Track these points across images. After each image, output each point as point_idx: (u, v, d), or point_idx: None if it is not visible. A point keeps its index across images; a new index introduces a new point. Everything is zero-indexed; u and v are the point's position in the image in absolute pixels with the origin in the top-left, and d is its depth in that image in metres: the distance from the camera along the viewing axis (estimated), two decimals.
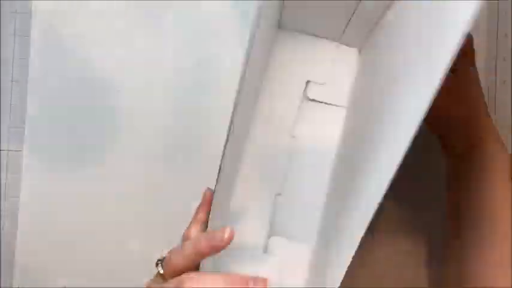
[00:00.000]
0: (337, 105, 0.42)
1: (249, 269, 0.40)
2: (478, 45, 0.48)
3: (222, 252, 0.34)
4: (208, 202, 0.37)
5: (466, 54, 0.40)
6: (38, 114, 0.48)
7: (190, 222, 0.38)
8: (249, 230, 0.41)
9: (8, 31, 0.48)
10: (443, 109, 0.39)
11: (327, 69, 0.42)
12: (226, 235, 0.33)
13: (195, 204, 0.47)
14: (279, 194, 0.41)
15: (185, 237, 0.38)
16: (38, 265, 0.48)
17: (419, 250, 0.48)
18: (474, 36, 0.48)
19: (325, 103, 0.42)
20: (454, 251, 0.41)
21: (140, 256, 0.48)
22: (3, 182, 0.48)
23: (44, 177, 0.48)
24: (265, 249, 0.41)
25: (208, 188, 0.38)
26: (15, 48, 0.48)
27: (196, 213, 0.38)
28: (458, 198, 0.40)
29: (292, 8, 0.40)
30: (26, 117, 0.48)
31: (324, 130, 0.42)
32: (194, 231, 0.37)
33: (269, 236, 0.41)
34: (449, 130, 0.40)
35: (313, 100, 0.42)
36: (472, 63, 0.41)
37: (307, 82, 0.42)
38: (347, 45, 0.42)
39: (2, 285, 0.48)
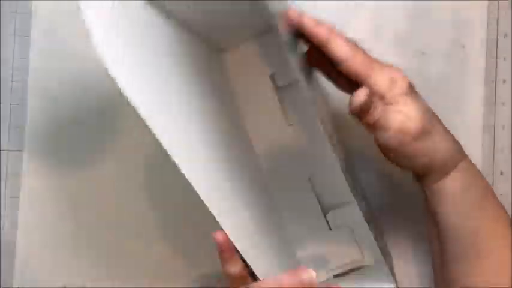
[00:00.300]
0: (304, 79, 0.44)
1: (328, 250, 0.44)
2: (478, 45, 0.48)
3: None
4: (226, 245, 0.35)
5: (394, 82, 0.37)
6: (38, 114, 0.48)
7: (223, 262, 0.36)
8: (306, 218, 0.44)
9: (8, 31, 0.48)
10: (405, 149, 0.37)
11: (277, 57, 0.44)
12: (313, 274, 0.34)
13: (195, 203, 0.47)
14: (310, 178, 0.44)
15: (229, 277, 0.37)
16: (38, 265, 0.48)
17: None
18: (474, 36, 0.48)
19: (296, 81, 0.43)
20: (440, 262, 0.41)
21: (140, 256, 0.48)
22: (3, 182, 0.48)
23: (44, 177, 0.48)
24: (329, 227, 0.44)
25: (218, 232, 0.35)
26: (15, 48, 0.48)
27: (223, 253, 0.36)
28: (437, 223, 0.40)
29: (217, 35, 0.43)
30: (26, 117, 0.48)
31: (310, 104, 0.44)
32: (235, 269, 0.36)
33: (324, 214, 0.44)
34: (417, 165, 0.38)
35: (284, 86, 0.44)
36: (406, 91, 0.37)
37: (271, 76, 0.44)
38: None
39: (2, 285, 0.48)
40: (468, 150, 0.48)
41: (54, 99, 0.48)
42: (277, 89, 0.44)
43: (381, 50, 0.48)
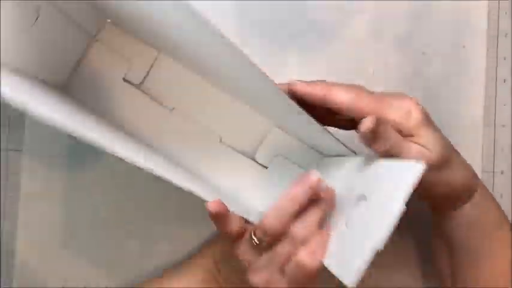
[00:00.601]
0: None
1: (274, 184, 0.45)
2: (479, 45, 0.48)
3: None
4: (223, 208, 0.35)
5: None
6: None
7: (221, 225, 0.36)
8: (239, 174, 0.46)
9: None
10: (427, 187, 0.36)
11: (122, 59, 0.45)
12: (318, 175, 0.34)
13: (195, 203, 0.47)
14: (221, 139, 0.46)
15: (231, 236, 0.37)
16: (37, 265, 0.48)
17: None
18: (474, 36, 0.48)
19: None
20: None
21: (140, 256, 0.48)
22: (3, 182, 0.48)
23: (44, 177, 0.48)
24: (264, 166, 0.46)
25: (210, 203, 0.35)
26: None
27: (220, 217, 0.36)
28: (451, 245, 0.40)
29: None
30: (26, 117, 0.48)
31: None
32: (235, 224, 0.36)
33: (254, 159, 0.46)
34: (437, 195, 0.38)
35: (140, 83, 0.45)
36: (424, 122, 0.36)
37: (125, 79, 0.45)
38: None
39: (2, 285, 0.48)
40: (468, 150, 0.48)
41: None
42: (136, 85, 0.45)
43: (381, 50, 0.48)
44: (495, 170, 0.48)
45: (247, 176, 0.46)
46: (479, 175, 0.48)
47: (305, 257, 0.33)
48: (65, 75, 0.44)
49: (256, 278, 0.35)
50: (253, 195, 0.45)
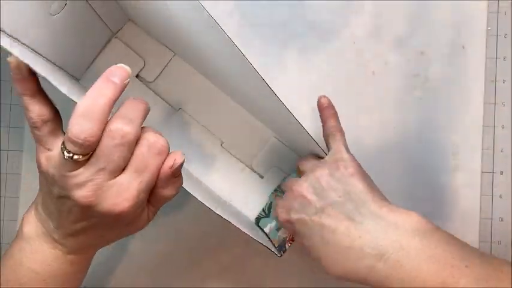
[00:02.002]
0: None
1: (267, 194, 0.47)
2: (478, 45, 0.48)
3: None
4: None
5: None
6: None
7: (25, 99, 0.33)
8: (237, 181, 0.47)
9: None
10: None
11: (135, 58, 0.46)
12: (126, 68, 0.30)
13: (194, 203, 0.47)
14: (222, 143, 0.47)
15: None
16: None
17: None
18: (474, 36, 0.48)
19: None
20: None
21: (140, 256, 0.48)
22: (3, 182, 0.48)
23: None
24: (261, 176, 0.47)
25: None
26: None
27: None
28: None
29: None
30: None
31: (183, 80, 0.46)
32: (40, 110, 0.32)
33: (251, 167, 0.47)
34: None
35: (153, 81, 0.46)
36: None
37: (138, 76, 0.46)
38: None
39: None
40: (468, 150, 0.48)
41: (54, 99, 0.48)
42: (148, 83, 0.46)
43: (380, 50, 0.48)
44: (495, 170, 0.48)
45: (243, 183, 0.46)
46: (479, 175, 0.48)
47: (153, 136, 0.30)
48: (83, 67, 0.45)
49: (81, 191, 0.30)
50: (247, 203, 0.45)
